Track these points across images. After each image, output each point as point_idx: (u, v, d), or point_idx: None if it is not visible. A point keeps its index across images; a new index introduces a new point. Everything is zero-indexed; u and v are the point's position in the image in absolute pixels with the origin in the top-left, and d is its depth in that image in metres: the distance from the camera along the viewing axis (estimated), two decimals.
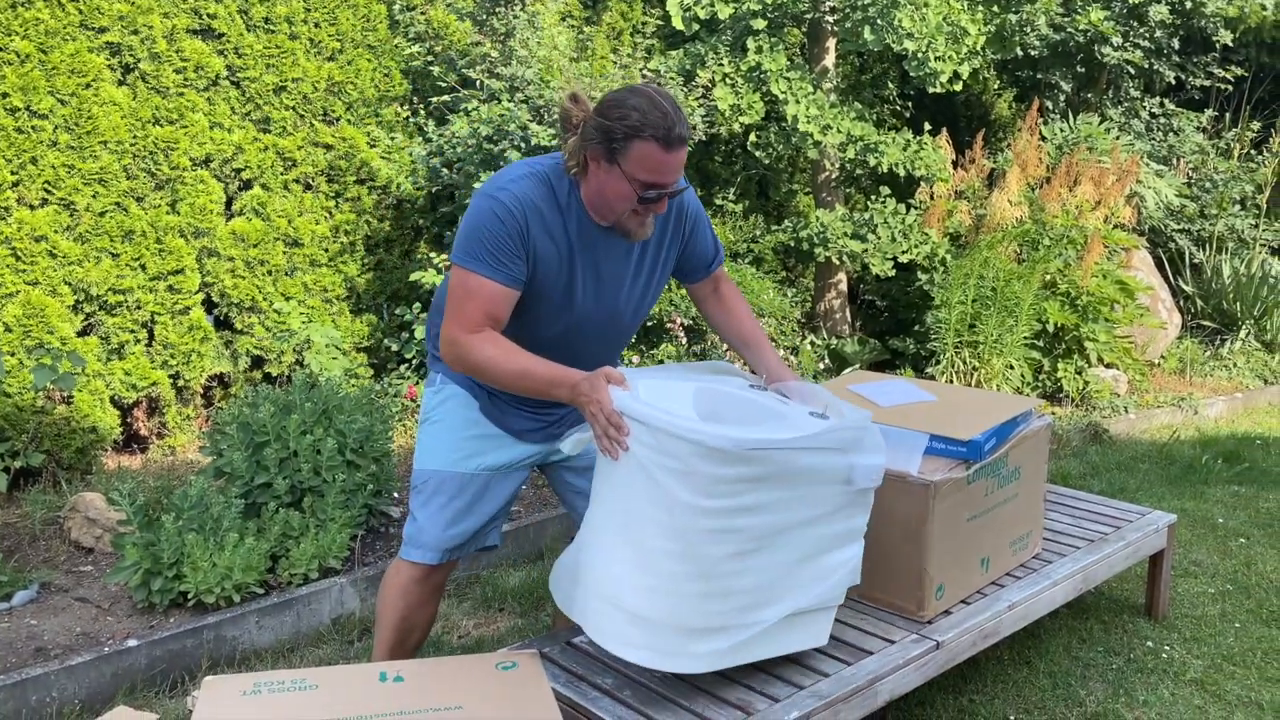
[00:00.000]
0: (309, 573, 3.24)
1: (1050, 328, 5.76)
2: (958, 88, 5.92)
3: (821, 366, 6.07)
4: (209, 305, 4.88)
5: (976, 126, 7.45)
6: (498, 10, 5.34)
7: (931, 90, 5.76)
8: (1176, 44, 7.78)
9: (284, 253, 4.97)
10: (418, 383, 5.02)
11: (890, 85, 7.45)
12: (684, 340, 5.22)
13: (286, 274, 4.99)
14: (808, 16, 6.14)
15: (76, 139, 4.35)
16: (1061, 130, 7.05)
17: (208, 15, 4.71)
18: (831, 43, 6.22)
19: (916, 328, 6.13)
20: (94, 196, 4.41)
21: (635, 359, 5.20)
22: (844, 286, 6.55)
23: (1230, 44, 7.95)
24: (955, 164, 6.35)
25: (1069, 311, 5.78)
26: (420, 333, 5.03)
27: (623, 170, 2.03)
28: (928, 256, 5.97)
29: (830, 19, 6.10)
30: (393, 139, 5.29)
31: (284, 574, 3.25)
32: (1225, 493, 4.57)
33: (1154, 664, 2.99)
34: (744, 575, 2.06)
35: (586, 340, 2.26)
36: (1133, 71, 7.86)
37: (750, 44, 5.73)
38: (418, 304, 5.14)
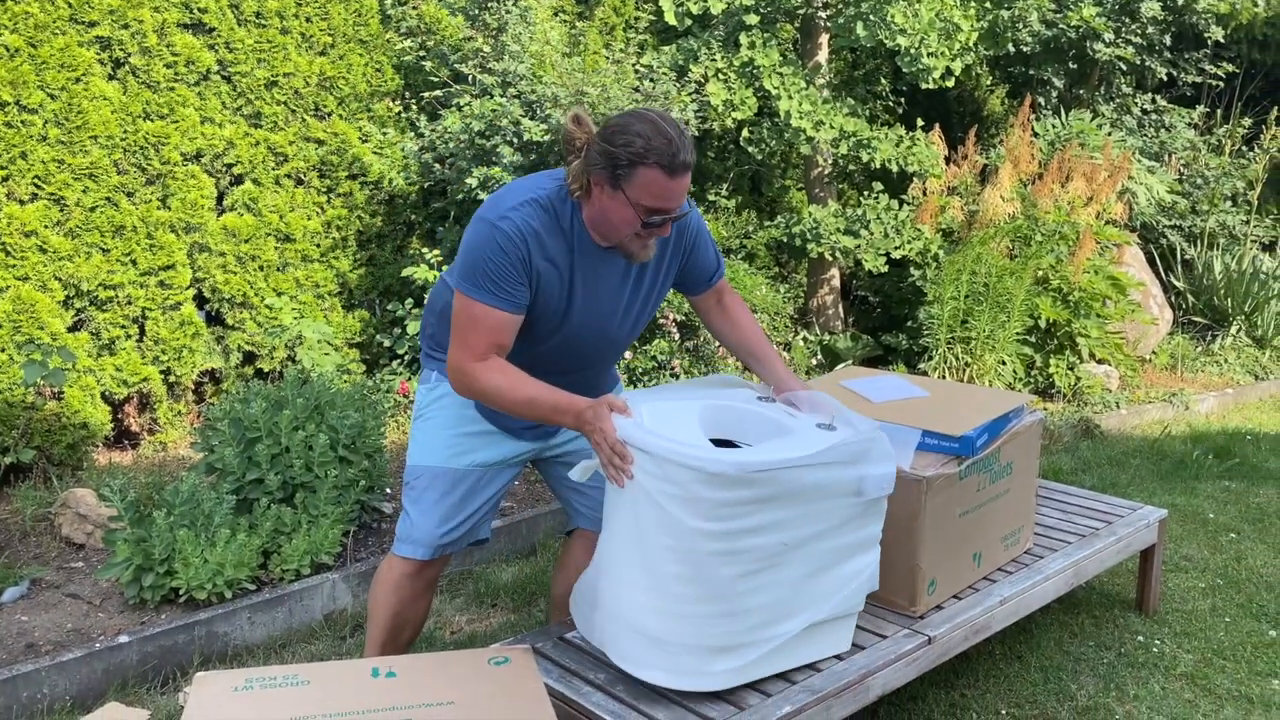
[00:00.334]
0: (301, 569, 3.24)
1: (1042, 323, 5.78)
2: (950, 84, 5.93)
3: (814, 362, 6.07)
4: (200, 301, 4.87)
5: (969, 122, 7.45)
6: (490, 5, 5.33)
7: (924, 86, 5.76)
8: (1168, 40, 7.79)
9: (276, 248, 4.95)
10: (410, 378, 5.01)
11: (883, 81, 7.45)
12: (676, 336, 5.22)
13: (278, 269, 4.98)
14: (801, 12, 6.13)
15: (66, 134, 4.33)
16: (1054, 126, 7.06)
17: (198, 9, 4.69)
18: (824, 38, 6.22)
19: (909, 323, 6.14)
20: (84, 191, 4.39)
21: (628, 354, 5.20)
22: (837, 282, 6.55)
23: (1221, 40, 7.97)
24: (948, 160, 6.35)
25: (1061, 307, 5.79)
26: (413, 328, 5.02)
27: (627, 196, 2.03)
28: (920, 252, 5.98)
29: (823, 14, 6.10)
30: (385, 134, 5.28)
31: (276, 570, 3.24)
32: (1216, 488, 4.59)
33: (1145, 658, 3.00)
34: (756, 594, 2.08)
35: (583, 351, 2.27)
36: (1125, 68, 7.87)
37: (743, 39, 5.73)
38: (410, 299, 5.13)
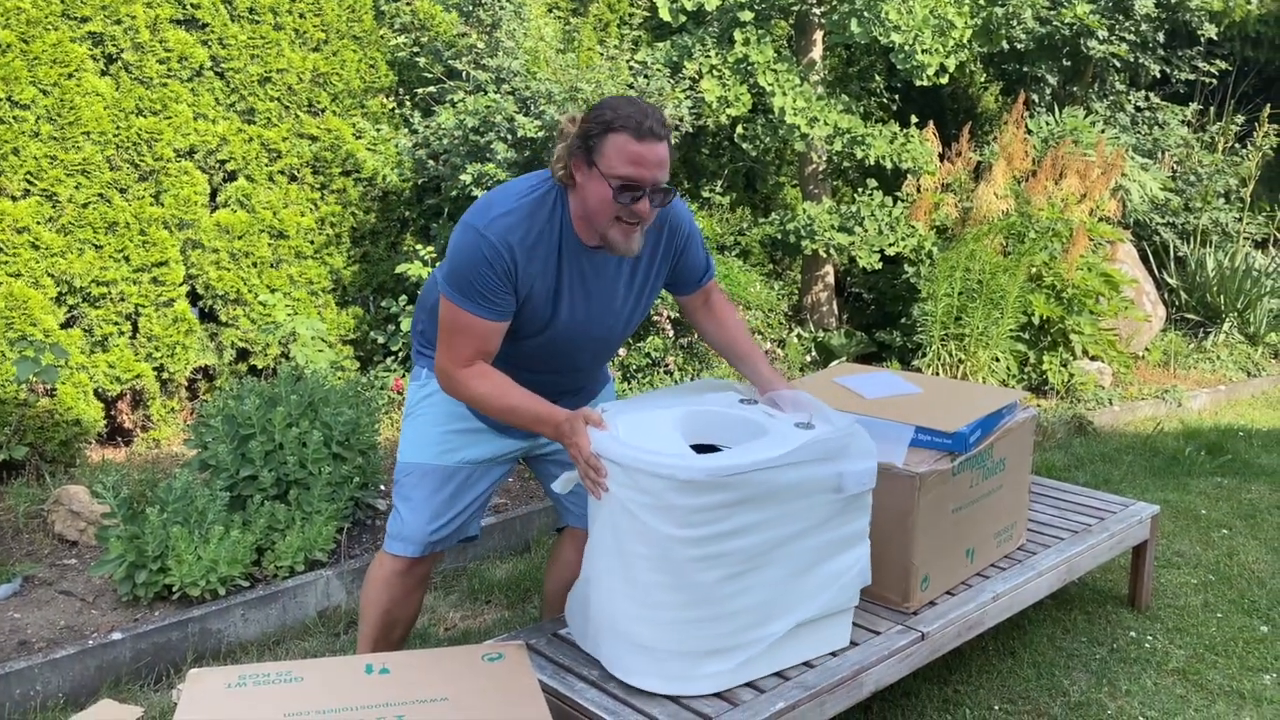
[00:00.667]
0: (295, 565, 3.23)
1: (1036, 320, 5.79)
2: (944, 81, 5.93)
3: (808, 359, 6.08)
4: (193, 297, 4.86)
5: (963, 119, 7.46)
6: (484, 1, 5.32)
7: (918, 83, 5.77)
8: (1162, 38, 7.81)
9: (269, 245, 4.94)
10: (404, 375, 5.01)
11: (877, 78, 7.45)
12: (670, 333, 5.22)
13: (272, 266, 4.97)
14: (795, 9, 6.13)
15: (59, 130, 4.32)
16: (1047, 123, 7.07)
17: (191, 5, 4.68)
18: (819, 35, 6.22)
19: (903, 320, 6.15)
20: (77, 188, 4.37)
21: (622, 351, 5.20)
22: (831, 279, 6.56)
23: (1215, 38, 7.98)
24: (942, 157, 6.36)
25: (1054, 304, 5.80)
26: (407, 325, 5.01)
27: (600, 170, 2.02)
28: (914, 249, 5.99)
29: (817, 11, 6.10)
30: (378, 130, 5.27)
31: (269, 567, 3.24)
32: (1208, 484, 4.61)
33: (1137, 654, 3.01)
34: (741, 596, 2.08)
35: (570, 350, 2.26)
36: (1118, 65, 7.88)
37: (737, 36, 5.72)
38: (404, 296, 5.12)
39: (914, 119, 6.35)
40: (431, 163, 5.13)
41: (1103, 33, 7.32)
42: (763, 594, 2.11)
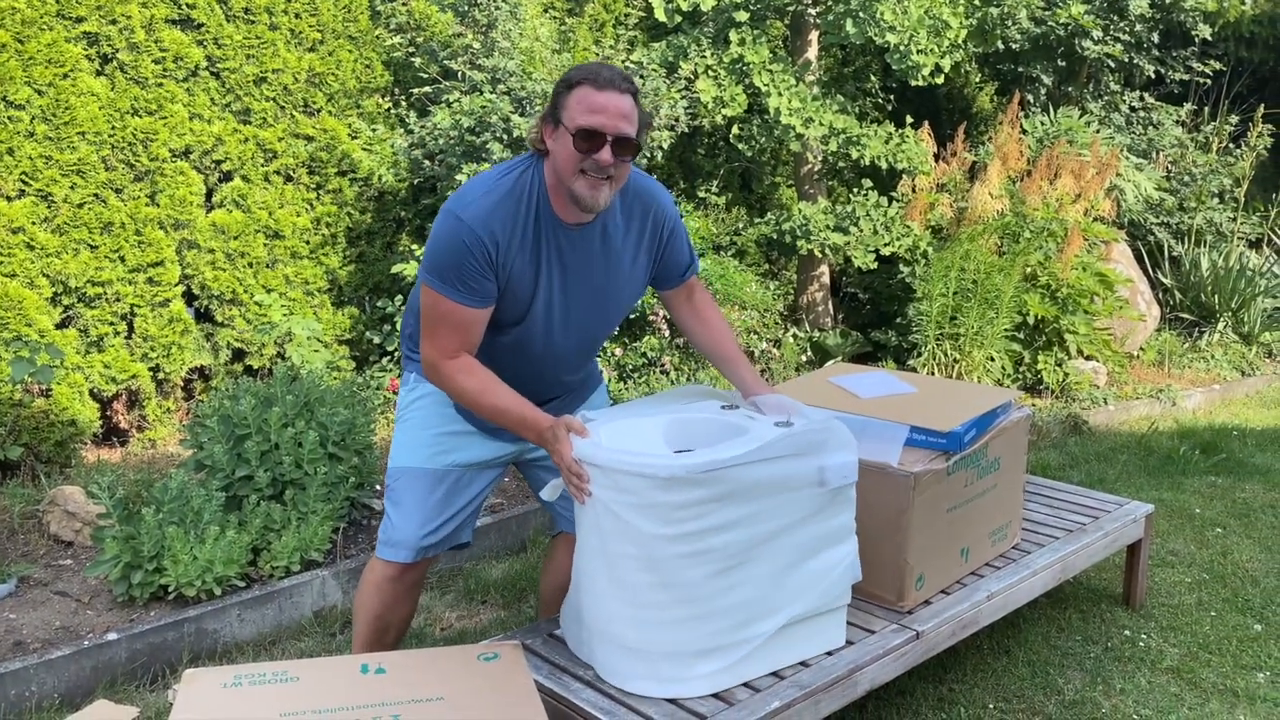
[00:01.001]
0: (290, 565, 3.23)
1: (1030, 320, 5.80)
2: (939, 81, 5.94)
3: (804, 359, 6.09)
4: (189, 297, 4.85)
5: (958, 120, 7.47)
6: (480, 2, 5.32)
7: (913, 83, 5.77)
8: (1156, 38, 7.82)
9: (265, 245, 4.94)
10: (399, 375, 5.00)
11: (873, 78, 7.46)
12: (666, 333, 5.23)
13: (267, 266, 4.97)
14: (790, 9, 6.14)
15: (54, 130, 4.31)
16: (1042, 123, 7.08)
17: (187, 5, 4.68)
18: (814, 35, 6.23)
19: (898, 320, 6.16)
20: (72, 188, 4.37)
21: (618, 351, 5.21)
22: (826, 279, 6.57)
23: (1209, 38, 8.00)
24: (937, 157, 6.37)
25: (1049, 304, 5.81)
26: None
27: (565, 127, 2.04)
28: (909, 249, 5.99)
29: (813, 11, 6.11)
30: (374, 131, 5.27)
31: (265, 567, 3.24)
32: (1202, 483, 4.62)
33: (1131, 652, 3.02)
34: (729, 593, 2.09)
35: (554, 340, 2.24)
36: (1113, 65, 7.90)
37: (733, 36, 5.73)
38: (400, 296, 5.12)
39: (909, 119, 6.36)
40: (427, 163, 5.13)
41: (1097, 33, 7.34)
42: (750, 590, 2.11)
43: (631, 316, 5.20)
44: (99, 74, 4.50)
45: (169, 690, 2.79)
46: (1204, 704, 2.76)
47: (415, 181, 5.28)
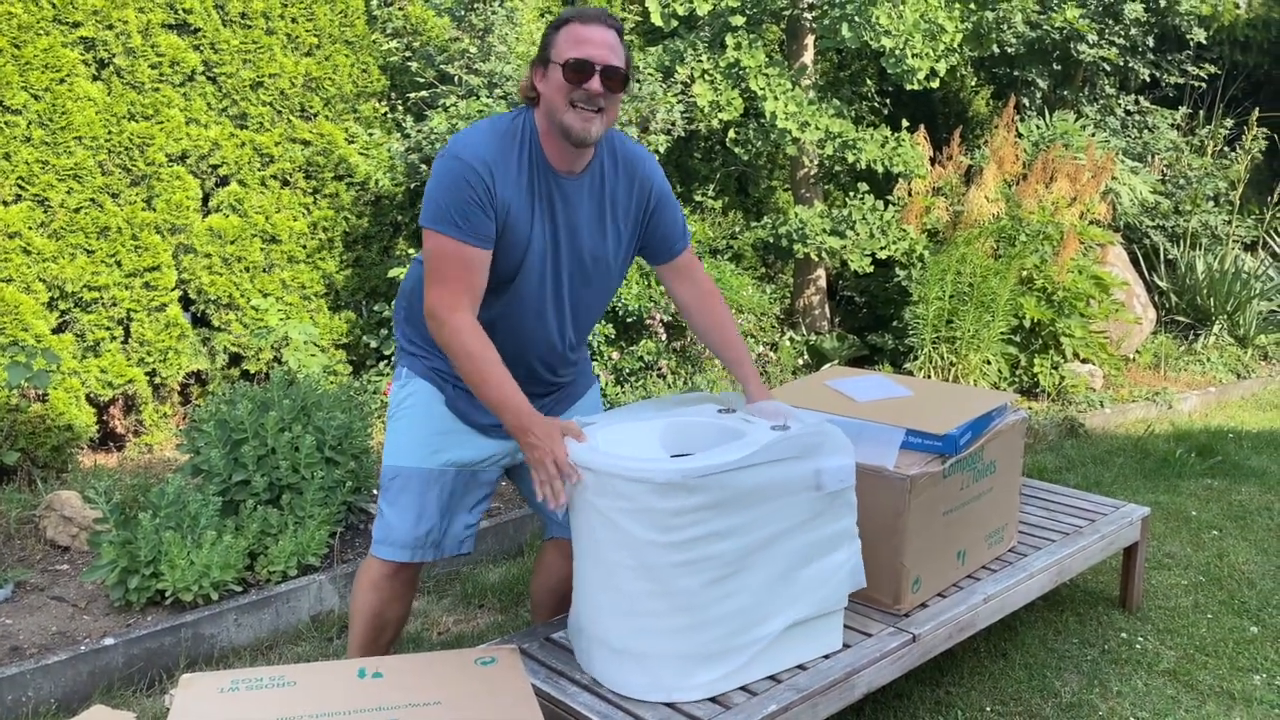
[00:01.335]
0: (287, 570, 3.23)
1: (1027, 323, 5.81)
2: (935, 85, 5.95)
3: (800, 363, 6.09)
4: (186, 302, 4.85)
5: (954, 123, 7.49)
6: (476, 6, 5.33)
7: (909, 87, 5.79)
8: (1151, 42, 7.85)
9: (262, 249, 4.94)
10: None
11: (869, 82, 7.48)
12: (664, 337, 5.23)
13: (264, 270, 4.97)
14: (786, 13, 6.15)
15: (51, 135, 4.31)
16: (1038, 127, 7.10)
17: (183, 10, 4.68)
18: (810, 39, 6.24)
19: (895, 323, 6.17)
20: (68, 193, 4.37)
21: (615, 355, 5.21)
22: (823, 283, 6.58)
23: (1204, 42, 8.03)
24: (933, 161, 6.38)
25: (1045, 307, 5.83)
26: None
27: (554, 63, 2.09)
28: (906, 253, 6.01)
29: (809, 16, 6.12)
30: (371, 135, 5.27)
31: (262, 572, 3.23)
32: (1198, 486, 4.63)
33: (1128, 655, 3.03)
34: (727, 600, 2.08)
35: (544, 310, 2.23)
36: (1108, 69, 7.92)
37: (729, 40, 5.74)
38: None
39: (905, 123, 6.38)
40: (424, 167, 5.13)
41: (1092, 37, 7.36)
42: (749, 597, 2.11)
43: (628, 320, 5.20)
44: (95, 79, 4.50)
45: (166, 695, 2.79)
46: (1200, 706, 2.76)
47: (412, 186, 5.28)
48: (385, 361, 5.19)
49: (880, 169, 5.93)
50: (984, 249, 5.86)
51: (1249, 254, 8.11)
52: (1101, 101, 8.16)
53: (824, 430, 2.15)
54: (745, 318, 5.63)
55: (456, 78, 5.28)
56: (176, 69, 4.67)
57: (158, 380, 4.69)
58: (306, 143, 5.08)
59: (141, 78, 4.57)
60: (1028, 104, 7.97)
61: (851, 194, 6.22)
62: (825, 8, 5.73)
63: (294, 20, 5.01)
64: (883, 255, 5.98)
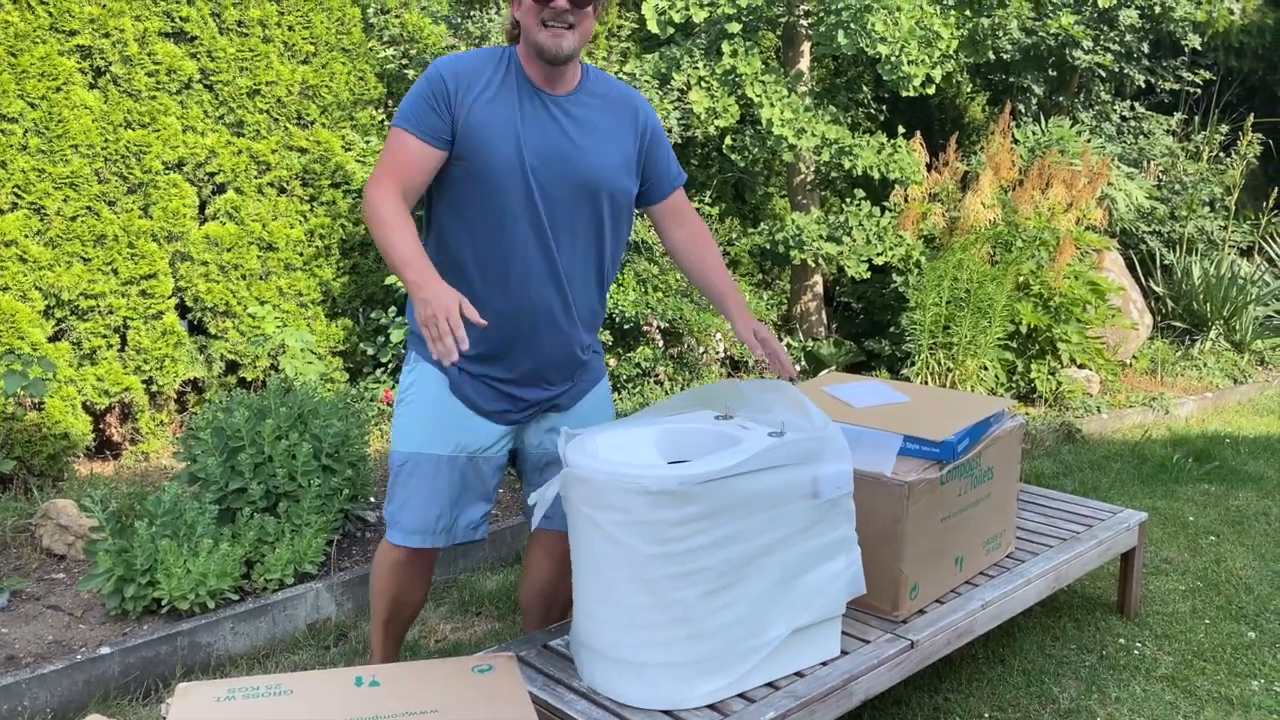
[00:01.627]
0: (284, 578, 3.22)
1: (1023, 329, 5.82)
2: (931, 91, 5.97)
3: (798, 368, 6.10)
4: (182, 310, 4.85)
5: (950, 129, 7.51)
6: (472, 14, 5.34)
7: (905, 94, 5.80)
8: (1146, 48, 7.87)
9: (258, 257, 4.94)
10: (393, 387, 5.01)
11: (865, 89, 7.50)
12: (660, 343, 5.23)
13: (261, 278, 4.97)
14: (782, 20, 6.17)
15: (47, 143, 4.31)
16: (1034, 133, 7.12)
17: (180, 18, 4.69)
18: (806, 46, 6.26)
19: (892, 329, 6.17)
20: (65, 201, 4.37)
21: (612, 361, 5.21)
22: (820, 289, 6.58)
23: (1199, 48, 8.06)
24: (929, 167, 6.40)
25: (1042, 313, 5.83)
26: (396, 336, 5.01)
27: None
28: (902, 259, 6.02)
29: (805, 23, 6.14)
30: (368, 142, 5.28)
31: (259, 580, 3.23)
32: (1196, 491, 4.63)
33: (1126, 660, 3.03)
34: (725, 610, 2.07)
35: (539, 227, 2.23)
36: (1103, 75, 7.95)
37: (725, 47, 5.75)
38: (393, 307, 5.12)
39: (901, 129, 6.39)
40: None
41: (1088, 43, 7.38)
42: (747, 607, 2.10)
43: (625, 327, 5.20)
44: (92, 87, 4.50)
45: (162, 704, 2.78)
46: (1199, 712, 2.76)
47: None
48: (382, 369, 5.19)
49: (877, 175, 5.94)
50: (980, 255, 5.87)
51: (1245, 259, 8.13)
52: (1097, 107, 8.18)
53: (823, 435, 2.13)
54: None
55: None
56: (173, 77, 4.67)
57: (154, 388, 4.69)
58: (303, 150, 5.08)
59: (138, 86, 4.57)
60: (1023, 110, 7.99)
61: (848, 200, 6.23)
62: (821, 15, 5.75)
63: (291, 28, 5.02)
64: (879, 261, 5.99)
